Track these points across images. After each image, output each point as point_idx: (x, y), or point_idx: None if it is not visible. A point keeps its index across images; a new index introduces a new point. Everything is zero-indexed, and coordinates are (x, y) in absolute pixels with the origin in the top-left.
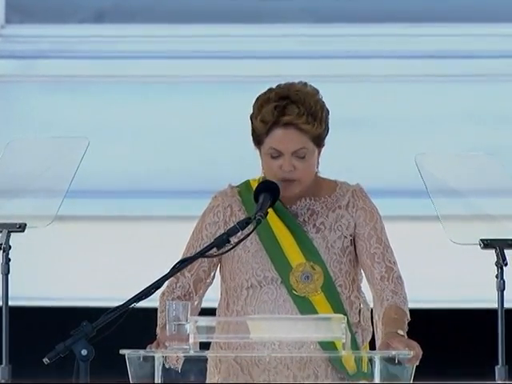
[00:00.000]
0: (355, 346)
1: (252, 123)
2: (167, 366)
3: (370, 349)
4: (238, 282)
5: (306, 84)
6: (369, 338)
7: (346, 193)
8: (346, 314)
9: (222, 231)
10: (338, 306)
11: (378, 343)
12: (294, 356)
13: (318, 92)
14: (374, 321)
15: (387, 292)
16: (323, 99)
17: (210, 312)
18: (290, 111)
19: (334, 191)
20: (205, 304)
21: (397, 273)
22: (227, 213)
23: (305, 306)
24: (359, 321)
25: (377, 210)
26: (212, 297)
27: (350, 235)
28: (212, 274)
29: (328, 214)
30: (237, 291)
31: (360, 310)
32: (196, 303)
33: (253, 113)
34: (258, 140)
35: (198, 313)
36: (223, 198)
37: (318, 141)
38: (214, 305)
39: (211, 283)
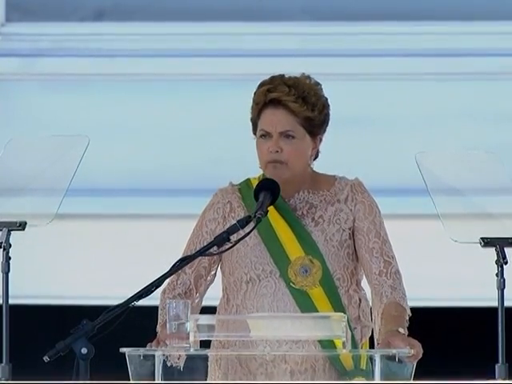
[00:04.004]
0: (353, 342)
1: (251, 111)
2: (169, 364)
3: (370, 346)
4: (237, 276)
5: (308, 76)
6: (368, 335)
7: (345, 187)
8: (344, 309)
9: (222, 227)
10: (336, 301)
11: (376, 339)
12: (293, 352)
13: (318, 84)
14: (372, 316)
15: (386, 287)
16: (325, 94)
17: (210, 310)
18: (280, 89)
19: (333, 185)
20: (206, 302)
21: (395, 267)
22: (226, 209)
23: (303, 300)
24: (358, 316)
25: (376, 204)
26: (213, 295)
27: (349, 229)
28: (213, 272)
29: (327, 207)
30: (236, 285)
31: (359, 305)
32: (197, 301)
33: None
34: (253, 125)
35: (199, 311)
36: (223, 194)
37: (310, 127)
38: (215, 303)
39: (212, 281)
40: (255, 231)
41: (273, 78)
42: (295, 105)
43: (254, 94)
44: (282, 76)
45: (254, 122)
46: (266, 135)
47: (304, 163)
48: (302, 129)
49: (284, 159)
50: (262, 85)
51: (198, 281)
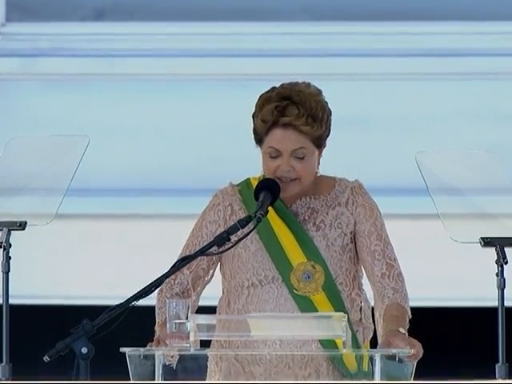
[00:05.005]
0: (356, 344)
1: (253, 122)
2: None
3: (371, 347)
4: (238, 280)
5: (309, 84)
6: (370, 336)
7: (345, 189)
8: (347, 313)
9: (222, 230)
10: (338, 305)
11: (379, 340)
12: (296, 355)
13: (320, 93)
14: (374, 318)
15: (388, 289)
16: (326, 99)
17: (209, 310)
18: (290, 112)
19: (333, 188)
20: (205, 302)
21: (397, 270)
22: (227, 211)
23: (306, 306)
24: (360, 319)
25: (377, 207)
26: (212, 295)
27: (350, 232)
28: (211, 272)
29: (328, 211)
30: (238, 290)
31: (361, 308)
32: (193, 299)
33: (255, 111)
34: (258, 139)
35: (196, 310)
36: (224, 196)
37: (318, 142)
38: (214, 303)
39: (209, 281)
40: (257, 236)
41: (279, 94)
42: (306, 127)
43: (259, 106)
44: (287, 90)
45: (260, 137)
46: (275, 153)
47: (313, 175)
48: (312, 145)
49: (296, 176)
50: (267, 100)
51: (196, 281)
